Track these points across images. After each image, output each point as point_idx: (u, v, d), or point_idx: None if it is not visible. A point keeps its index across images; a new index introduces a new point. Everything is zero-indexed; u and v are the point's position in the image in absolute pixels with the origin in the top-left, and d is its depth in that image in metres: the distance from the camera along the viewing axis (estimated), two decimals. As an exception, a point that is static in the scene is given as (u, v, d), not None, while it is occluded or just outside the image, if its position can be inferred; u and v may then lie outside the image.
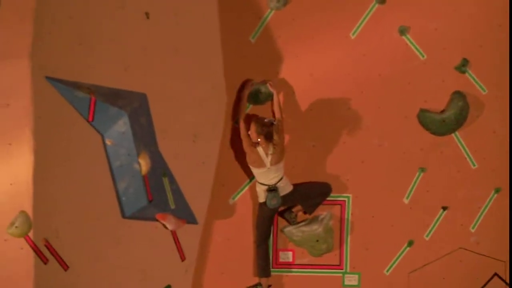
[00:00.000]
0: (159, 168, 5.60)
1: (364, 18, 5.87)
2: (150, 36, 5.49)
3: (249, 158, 5.76)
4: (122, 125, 5.33)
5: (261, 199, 5.88)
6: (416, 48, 5.93)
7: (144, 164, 5.40)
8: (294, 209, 6.09)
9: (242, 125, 5.78)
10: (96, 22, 5.30)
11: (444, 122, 5.96)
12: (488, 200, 6.22)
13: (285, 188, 5.86)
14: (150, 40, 5.49)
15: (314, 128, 6.05)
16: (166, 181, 5.63)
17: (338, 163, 6.12)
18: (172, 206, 5.65)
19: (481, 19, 5.94)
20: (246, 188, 6.15)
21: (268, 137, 5.66)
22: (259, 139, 5.69)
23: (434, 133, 6.03)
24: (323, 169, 6.09)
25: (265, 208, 5.89)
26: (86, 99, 5.20)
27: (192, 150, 5.76)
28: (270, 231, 6.01)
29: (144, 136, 5.48)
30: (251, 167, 5.80)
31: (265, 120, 5.73)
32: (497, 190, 6.18)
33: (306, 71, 6.00)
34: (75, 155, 5.34)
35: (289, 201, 5.97)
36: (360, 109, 6.04)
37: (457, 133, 6.09)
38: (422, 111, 5.99)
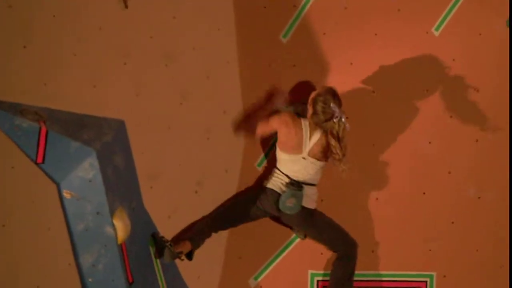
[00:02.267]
0: (145, 233, 5.14)
1: (454, 5, 5.22)
2: (131, 34, 4.96)
3: (283, 137, 5.07)
4: (88, 169, 4.72)
5: (272, 184, 5.11)
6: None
7: (121, 227, 4.76)
8: None
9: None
10: (49, 12, 4.80)
11: None
12: None
13: (308, 200, 5.08)
14: (132, 41, 4.97)
15: (374, 169, 5.47)
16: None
17: (413, 224, 5.45)
18: (165, 292, 5.35)
19: None
20: (277, 261, 5.49)
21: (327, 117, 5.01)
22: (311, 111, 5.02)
23: None
24: (390, 233, 5.46)
25: (265, 203, 5.15)
26: (33, 130, 4.65)
27: (195, 205, 5.26)
28: (239, 223, 5.32)
29: (122, 185, 4.98)
30: (280, 151, 5.16)
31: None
32: None
33: (366, 86, 5.42)
34: (16, 214, 4.77)
35: (297, 223, 5.32)
36: (447, 143, 5.39)
37: None
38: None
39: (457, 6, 5.25)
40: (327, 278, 5.55)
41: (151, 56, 5.11)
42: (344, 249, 5.41)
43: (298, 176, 5.17)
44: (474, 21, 5.28)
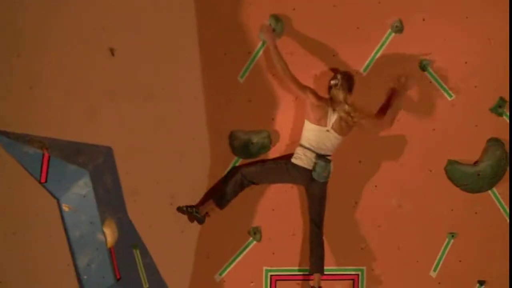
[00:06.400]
0: (129, 238, 5.47)
1: (378, 51, 5.57)
2: (117, 77, 5.38)
3: (311, 109, 5.40)
4: (82, 187, 5.25)
5: (301, 162, 5.47)
6: (442, 87, 5.63)
7: (110, 234, 5.30)
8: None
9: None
10: (51, 61, 5.26)
11: (478, 176, 5.69)
12: (536, 270, 5.83)
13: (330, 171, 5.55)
14: (118, 82, 5.38)
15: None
16: (137, 254, 5.51)
17: (348, 228, 5.85)
18: (145, 286, 5.49)
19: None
20: (238, 259, 5.83)
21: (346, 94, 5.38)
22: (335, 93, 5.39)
23: (466, 189, 5.76)
24: (330, 236, 5.76)
25: (299, 178, 5.51)
26: (38, 156, 5.18)
27: (170, 216, 5.57)
28: (266, 183, 5.71)
29: (110, 199, 5.42)
30: (308, 122, 5.43)
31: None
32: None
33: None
34: (24, 224, 5.30)
35: (318, 192, 5.61)
36: (374, 163, 5.78)
37: (494, 189, 5.78)
38: (451, 163, 5.73)
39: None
40: (279, 273, 5.82)
41: (135, 95, 5.37)
42: (322, 228, 5.64)
43: (321, 148, 5.41)
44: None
